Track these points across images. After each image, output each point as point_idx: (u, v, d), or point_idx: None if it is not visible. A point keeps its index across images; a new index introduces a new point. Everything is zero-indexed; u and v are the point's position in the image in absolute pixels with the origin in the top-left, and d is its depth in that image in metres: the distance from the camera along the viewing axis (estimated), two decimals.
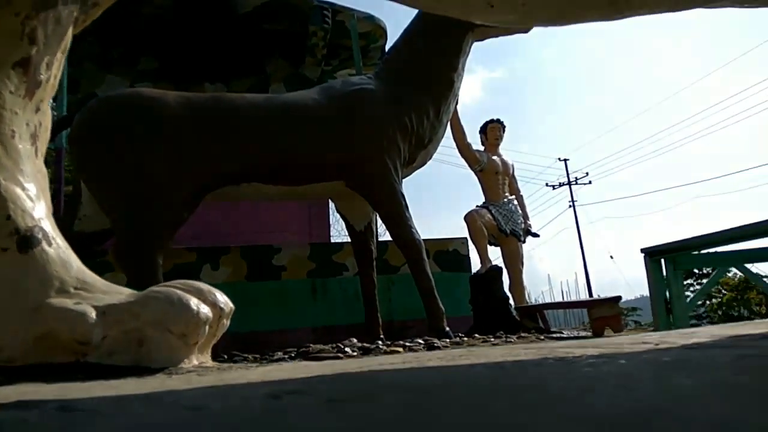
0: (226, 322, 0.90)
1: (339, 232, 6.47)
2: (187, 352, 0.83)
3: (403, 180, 3.56)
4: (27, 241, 0.85)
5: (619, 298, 2.69)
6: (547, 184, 22.45)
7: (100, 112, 2.99)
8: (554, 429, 0.33)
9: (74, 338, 0.78)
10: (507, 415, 0.37)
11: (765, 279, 4.14)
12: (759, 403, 0.37)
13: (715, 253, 2.75)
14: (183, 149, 2.98)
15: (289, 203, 5.22)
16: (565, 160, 21.91)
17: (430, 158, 3.78)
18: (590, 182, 21.87)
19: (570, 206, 20.76)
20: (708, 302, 12.31)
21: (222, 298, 0.88)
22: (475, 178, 4.46)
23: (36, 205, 0.91)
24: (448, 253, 4.49)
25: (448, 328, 3.14)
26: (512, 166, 4.54)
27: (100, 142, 2.91)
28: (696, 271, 12.12)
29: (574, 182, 21.22)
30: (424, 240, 3.39)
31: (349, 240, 3.89)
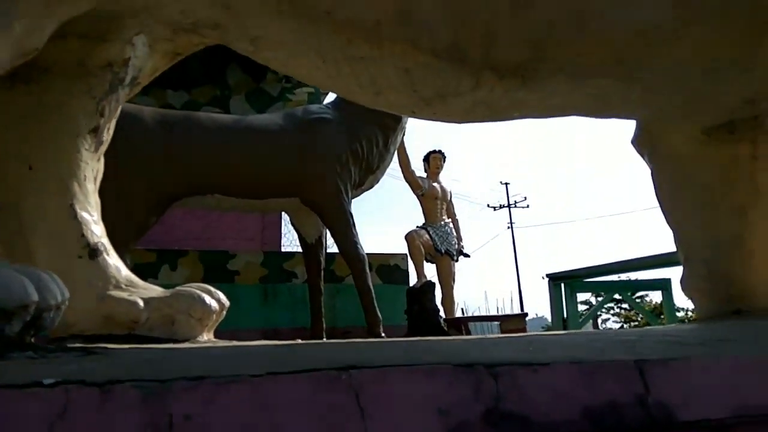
0: (224, 313, 1.33)
1: (291, 241, 6.86)
2: (201, 331, 1.24)
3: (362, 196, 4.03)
4: (94, 252, 1.25)
5: (525, 314, 3.22)
6: (488, 206, 23.55)
7: None
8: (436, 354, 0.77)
9: (129, 318, 1.18)
10: (404, 351, 0.77)
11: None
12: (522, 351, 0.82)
13: (602, 281, 3.34)
14: (154, 162, 3.33)
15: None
16: (506, 183, 23.14)
17: (377, 182, 4.26)
18: (528, 206, 23.11)
19: (508, 228, 21.85)
20: (627, 325, 13.42)
21: (223, 298, 1.30)
22: (417, 201, 4.98)
23: (98, 227, 1.31)
24: (390, 267, 4.97)
25: (383, 334, 3.60)
26: (450, 192, 5.09)
27: None
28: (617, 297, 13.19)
29: (513, 205, 22.38)
30: (369, 254, 3.86)
31: (300, 249, 4.31)
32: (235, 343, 1.18)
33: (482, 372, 0.57)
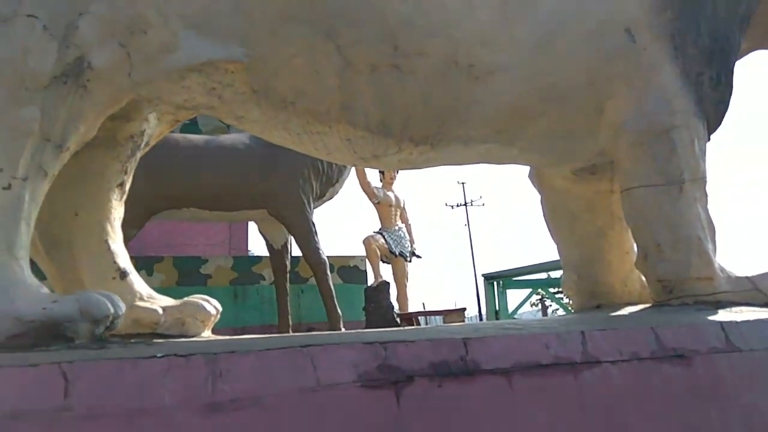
0: (218, 316, 1.82)
1: (257, 245, 7.30)
2: (204, 330, 1.73)
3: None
4: (123, 274, 1.72)
5: (464, 309, 3.77)
6: (446, 204, 24.52)
7: None
8: (396, 337, 1.26)
9: (151, 321, 1.66)
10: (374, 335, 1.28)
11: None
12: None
13: (529, 279, 3.93)
14: (136, 182, 3.74)
15: None
16: (463, 183, 24.17)
17: (337, 193, 4.77)
18: (483, 204, 24.17)
19: (465, 226, 22.77)
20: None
21: (218, 304, 1.79)
22: (374, 208, 5.51)
23: (125, 255, 1.78)
24: (350, 268, 5.50)
25: (343, 329, 4.11)
26: (403, 200, 5.65)
27: None
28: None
29: (469, 204, 23.34)
30: (331, 256, 4.36)
31: (267, 254, 4.78)
32: (234, 337, 1.68)
33: (377, 346, 1.09)
